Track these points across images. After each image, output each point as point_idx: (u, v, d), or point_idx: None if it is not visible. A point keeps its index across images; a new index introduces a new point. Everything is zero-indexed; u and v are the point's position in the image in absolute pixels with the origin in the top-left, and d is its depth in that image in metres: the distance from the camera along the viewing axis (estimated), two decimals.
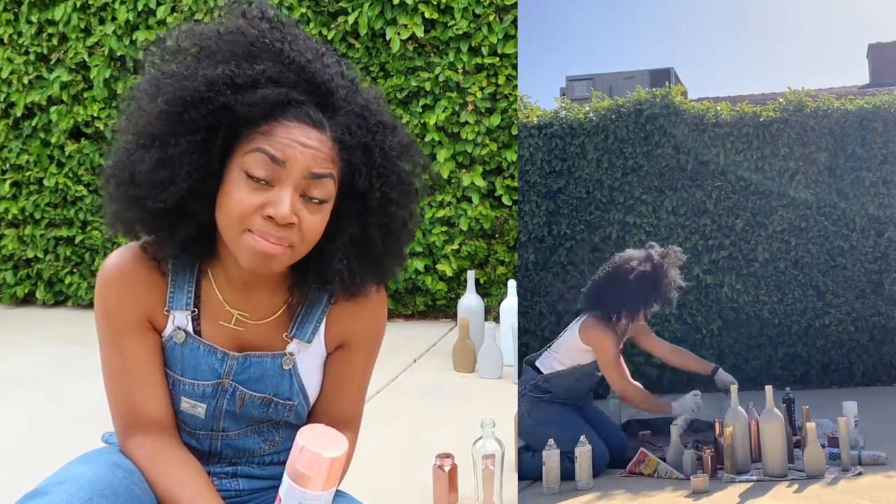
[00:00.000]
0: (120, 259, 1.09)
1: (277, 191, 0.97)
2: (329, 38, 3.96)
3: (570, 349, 2.08)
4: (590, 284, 2.19)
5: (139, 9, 4.26)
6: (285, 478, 0.96)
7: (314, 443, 0.95)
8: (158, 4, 4.22)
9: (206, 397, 1.12)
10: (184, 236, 1.03)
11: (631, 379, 2.07)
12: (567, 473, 1.88)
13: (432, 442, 2.12)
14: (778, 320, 2.99)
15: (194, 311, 1.11)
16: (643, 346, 2.29)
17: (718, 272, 3.02)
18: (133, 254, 1.09)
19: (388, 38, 3.89)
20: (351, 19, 3.92)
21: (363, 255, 1.08)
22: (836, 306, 2.98)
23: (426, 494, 1.82)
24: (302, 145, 0.97)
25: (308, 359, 1.16)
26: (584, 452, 1.84)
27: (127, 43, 4.30)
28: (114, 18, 4.33)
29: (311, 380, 1.17)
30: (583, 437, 1.87)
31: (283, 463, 1.24)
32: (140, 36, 4.23)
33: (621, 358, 2.07)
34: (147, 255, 1.09)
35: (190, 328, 1.11)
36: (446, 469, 1.73)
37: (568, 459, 1.88)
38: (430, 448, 1.89)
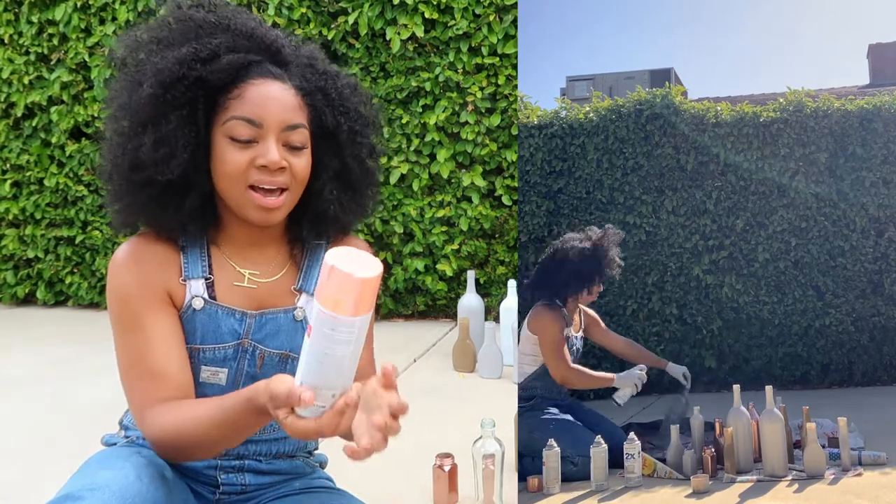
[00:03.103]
0: (130, 244, 1.16)
1: (262, 144, 1.09)
2: (329, 37, 3.96)
3: (530, 347, 2.10)
4: (532, 274, 2.23)
5: (139, 9, 4.26)
6: (315, 305, 0.86)
7: (345, 264, 0.84)
8: (159, 5, 4.22)
9: (228, 360, 1.17)
10: (193, 205, 1.12)
11: (572, 365, 2.07)
12: (565, 476, 1.88)
13: (432, 442, 2.12)
14: (778, 320, 2.99)
15: (209, 278, 1.17)
16: (597, 339, 2.32)
17: (718, 272, 3.02)
18: (142, 238, 1.17)
19: (388, 38, 3.89)
20: (351, 19, 3.92)
21: (346, 184, 1.20)
22: (837, 306, 2.98)
23: (426, 494, 1.82)
24: (272, 99, 1.09)
25: None
26: (598, 453, 1.85)
27: None
28: (114, 19, 4.33)
29: None
30: (598, 437, 1.87)
31: (288, 456, 1.26)
32: None
33: (565, 345, 2.07)
34: (159, 235, 1.16)
35: (206, 294, 1.16)
36: (446, 469, 1.73)
37: (570, 463, 1.89)
38: (430, 448, 1.89)
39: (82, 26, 4.38)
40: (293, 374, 1.16)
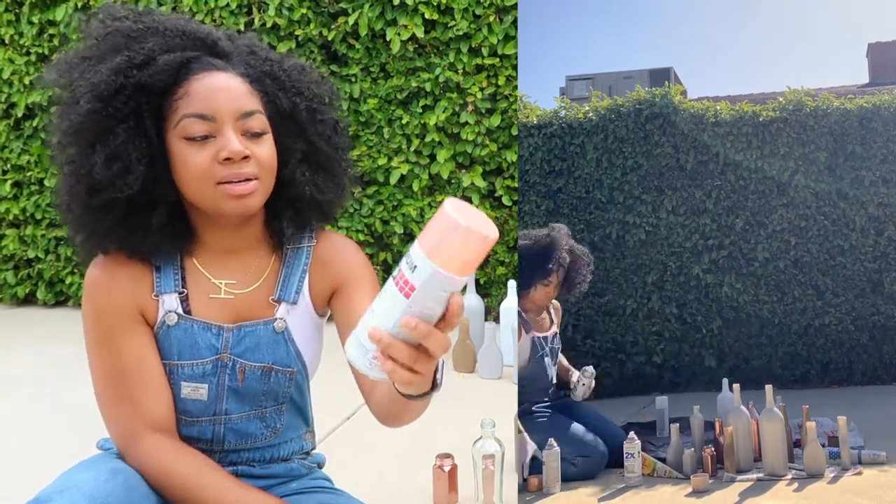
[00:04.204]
0: (103, 260, 1.13)
1: (220, 138, 1.05)
2: (329, 38, 3.96)
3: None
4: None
5: (139, 9, 4.26)
6: (428, 264, 0.74)
7: (472, 222, 0.74)
8: (160, 5, 4.23)
9: (207, 376, 1.13)
10: (161, 221, 1.08)
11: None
12: (564, 477, 1.88)
13: (432, 442, 2.12)
14: (778, 319, 2.99)
15: (183, 292, 1.13)
16: None
17: (718, 271, 3.02)
18: (114, 255, 1.13)
19: (388, 39, 3.89)
20: (351, 20, 3.92)
21: (317, 164, 1.17)
22: (836, 305, 2.98)
23: (426, 494, 1.83)
24: (220, 90, 1.06)
25: (299, 323, 1.18)
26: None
27: None
28: None
29: (307, 346, 1.20)
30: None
31: (283, 460, 1.24)
32: None
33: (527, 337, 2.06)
34: (133, 256, 1.12)
35: (180, 309, 1.13)
36: (446, 469, 1.73)
37: (570, 465, 1.89)
38: (430, 448, 1.89)
39: (83, 27, 4.38)
40: (277, 388, 1.16)
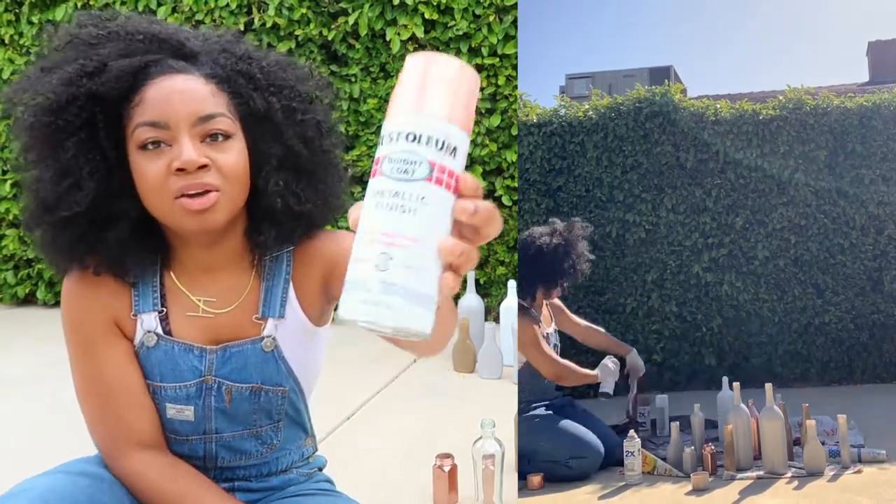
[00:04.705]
0: (78, 273, 1.07)
1: (175, 146, 0.96)
2: (329, 38, 3.96)
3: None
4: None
5: (140, 10, 4.26)
6: (464, 137, 0.61)
7: (445, 64, 0.60)
8: (159, 5, 4.23)
9: (192, 398, 1.07)
10: (121, 237, 1.00)
11: (559, 359, 2.02)
12: (559, 478, 1.89)
13: (432, 442, 2.12)
14: (778, 318, 2.99)
15: (162, 311, 1.07)
16: (565, 327, 2.29)
17: (718, 270, 3.02)
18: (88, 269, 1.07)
19: (388, 39, 3.89)
20: (351, 20, 3.92)
21: (295, 169, 1.05)
22: (836, 304, 2.98)
23: (426, 494, 1.83)
24: (174, 93, 0.97)
25: (290, 337, 1.10)
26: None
27: None
28: None
29: (300, 360, 1.12)
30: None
31: (281, 472, 1.17)
32: None
33: (543, 340, 2.03)
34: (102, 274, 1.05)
35: (160, 329, 1.07)
36: (446, 469, 1.73)
37: (565, 467, 1.89)
38: (430, 448, 1.89)
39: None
40: (268, 407, 1.08)
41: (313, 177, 1.07)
